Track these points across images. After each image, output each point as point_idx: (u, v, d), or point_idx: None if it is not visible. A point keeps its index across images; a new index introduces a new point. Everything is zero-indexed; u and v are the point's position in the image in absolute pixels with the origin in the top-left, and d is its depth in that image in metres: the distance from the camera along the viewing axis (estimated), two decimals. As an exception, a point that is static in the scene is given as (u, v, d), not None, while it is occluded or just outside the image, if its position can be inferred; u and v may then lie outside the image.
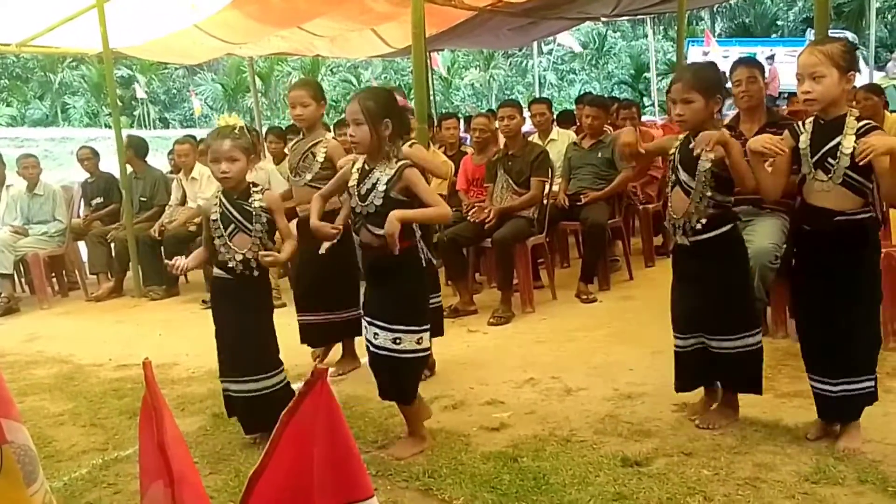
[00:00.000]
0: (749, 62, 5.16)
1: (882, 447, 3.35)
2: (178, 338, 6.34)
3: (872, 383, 3.35)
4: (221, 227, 3.84)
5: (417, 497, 3.25)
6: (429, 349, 3.86)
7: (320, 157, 4.79)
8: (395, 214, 3.44)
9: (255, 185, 3.92)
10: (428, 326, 3.73)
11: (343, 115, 4.97)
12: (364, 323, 3.71)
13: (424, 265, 3.74)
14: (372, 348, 3.66)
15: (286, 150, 6.96)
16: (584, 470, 3.34)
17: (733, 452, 3.42)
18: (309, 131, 4.91)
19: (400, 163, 3.60)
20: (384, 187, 3.55)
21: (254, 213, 3.81)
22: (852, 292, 3.29)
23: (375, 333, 3.61)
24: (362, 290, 3.90)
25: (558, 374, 4.66)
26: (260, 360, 3.89)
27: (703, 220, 3.52)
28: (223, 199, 3.86)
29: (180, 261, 3.96)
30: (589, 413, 4.03)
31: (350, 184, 3.70)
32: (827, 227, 3.26)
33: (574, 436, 3.74)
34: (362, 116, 3.54)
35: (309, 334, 5.06)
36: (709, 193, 3.50)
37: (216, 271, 3.94)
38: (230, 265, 3.83)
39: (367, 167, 3.66)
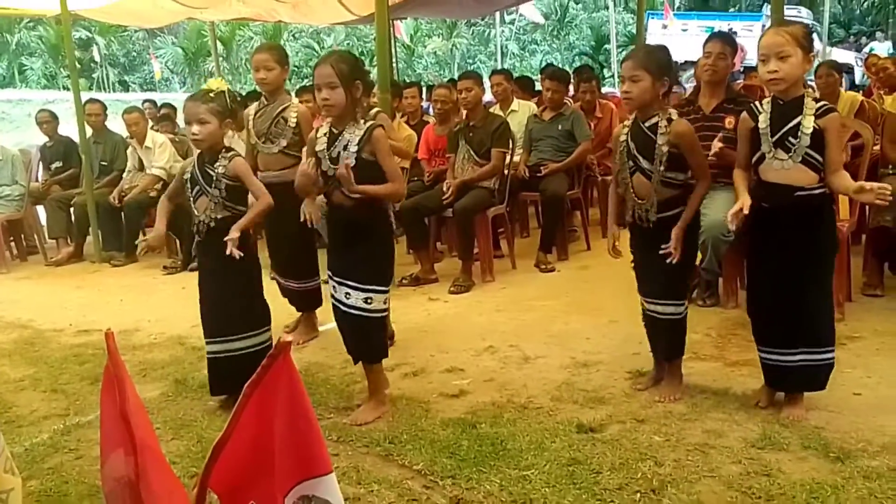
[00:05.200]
0: (724, 37, 5.21)
1: (825, 414, 3.47)
2: (139, 304, 6.33)
3: (833, 354, 3.47)
4: (189, 187, 3.94)
5: (378, 462, 3.30)
6: (388, 310, 3.97)
7: (292, 123, 4.74)
8: (355, 188, 3.51)
9: (228, 149, 3.93)
10: (389, 288, 3.83)
11: (306, 82, 4.75)
12: (333, 283, 3.74)
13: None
14: (343, 307, 3.72)
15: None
16: (540, 436, 3.41)
17: (684, 419, 3.51)
18: (272, 96, 4.84)
19: (368, 123, 3.64)
20: (355, 148, 3.58)
21: (214, 176, 3.85)
22: (813, 265, 3.36)
23: (347, 293, 3.67)
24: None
25: (517, 343, 4.74)
26: (239, 318, 3.93)
27: (666, 199, 3.59)
28: (196, 161, 3.95)
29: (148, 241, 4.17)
30: (546, 381, 4.11)
31: (318, 148, 3.71)
32: (787, 202, 3.32)
33: (531, 403, 3.82)
34: (337, 79, 3.54)
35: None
36: (668, 174, 3.58)
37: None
38: (194, 226, 3.95)
39: (334, 130, 3.67)
